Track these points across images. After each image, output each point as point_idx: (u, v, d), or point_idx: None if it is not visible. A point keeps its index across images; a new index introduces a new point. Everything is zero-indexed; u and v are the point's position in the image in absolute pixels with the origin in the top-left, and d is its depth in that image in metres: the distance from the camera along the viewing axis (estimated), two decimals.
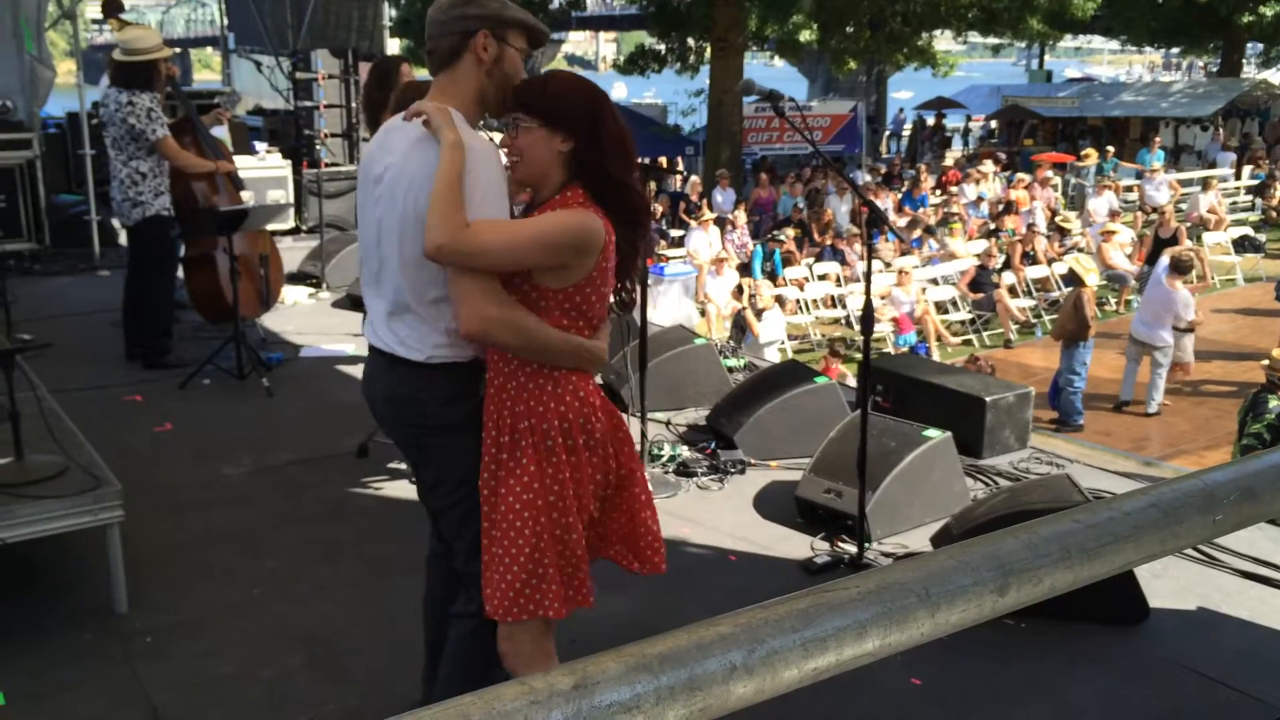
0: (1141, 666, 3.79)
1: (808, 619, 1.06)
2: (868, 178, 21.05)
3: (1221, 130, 28.80)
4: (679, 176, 21.82)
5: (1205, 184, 20.76)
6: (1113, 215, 18.11)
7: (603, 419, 2.50)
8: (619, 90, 44.46)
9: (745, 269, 15.80)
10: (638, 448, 5.21)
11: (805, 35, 20.85)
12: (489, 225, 2.36)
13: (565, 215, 2.39)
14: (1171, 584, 4.28)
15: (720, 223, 16.83)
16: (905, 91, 46.08)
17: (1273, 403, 8.51)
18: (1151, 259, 15.25)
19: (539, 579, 2.44)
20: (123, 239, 9.17)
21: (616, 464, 2.52)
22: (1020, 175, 21.43)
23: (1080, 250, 16.06)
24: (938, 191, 21.19)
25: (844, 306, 14.91)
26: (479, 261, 2.35)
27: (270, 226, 7.72)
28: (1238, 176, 24.08)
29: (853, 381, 8.85)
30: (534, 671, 2.54)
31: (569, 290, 2.41)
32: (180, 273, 7.13)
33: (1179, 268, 11.37)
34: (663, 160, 22.37)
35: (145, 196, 6.45)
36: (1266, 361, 8.80)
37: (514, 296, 2.42)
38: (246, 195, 7.28)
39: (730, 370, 6.78)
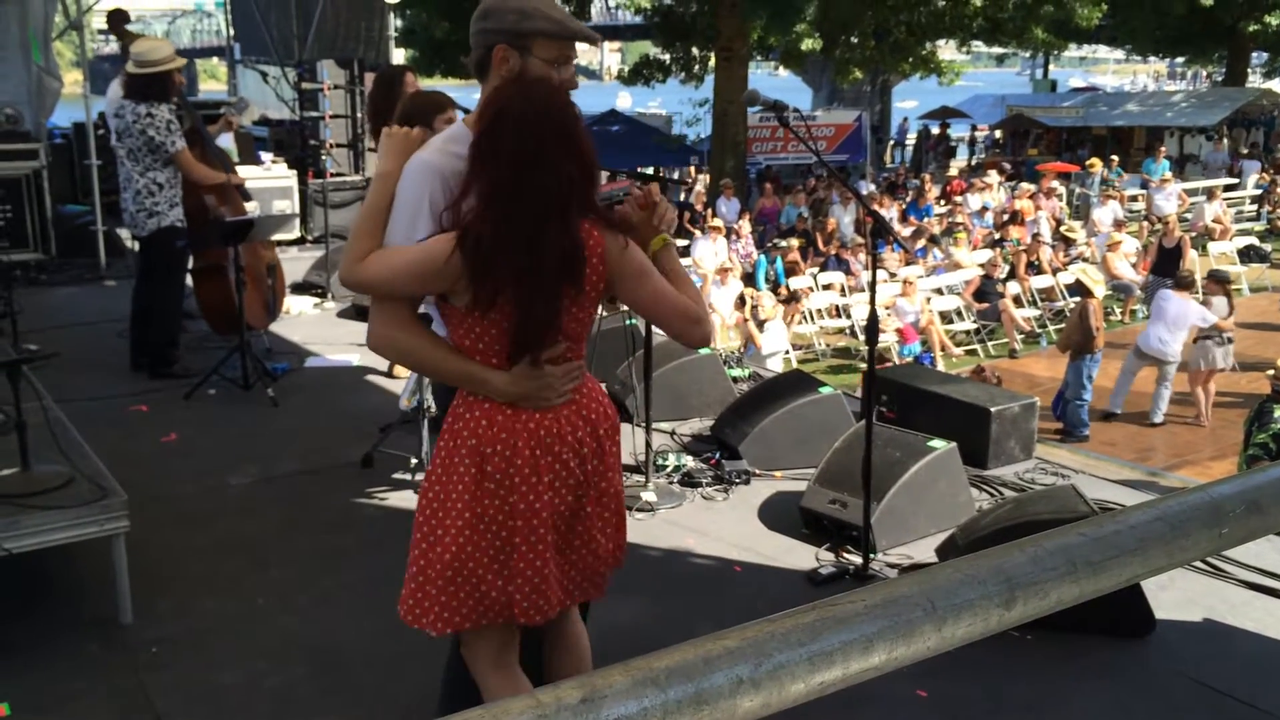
0: (1148, 678, 3.78)
1: (814, 633, 1.06)
2: (872, 187, 21.07)
3: (1226, 140, 28.79)
4: (685, 186, 21.87)
5: (1210, 194, 20.75)
6: (1118, 225, 18.11)
7: (518, 456, 2.39)
8: (624, 100, 44.54)
9: (750, 279, 15.81)
10: (640, 458, 5.25)
11: (808, 44, 20.87)
12: (376, 257, 2.39)
13: (432, 243, 2.36)
14: (1178, 595, 4.27)
15: (725, 232, 16.85)
16: (909, 101, 46.12)
17: (1278, 412, 8.49)
18: (1157, 269, 15.24)
19: (423, 591, 2.45)
20: (130, 248, 9.20)
21: (530, 503, 2.40)
22: (1025, 185, 21.42)
23: (1085, 260, 16.06)
24: (942, 201, 21.20)
25: (848, 316, 14.91)
26: (371, 291, 2.44)
27: (275, 236, 7.74)
28: (1258, 185, 24.05)
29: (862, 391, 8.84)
30: (486, 684, 2.56)
31: (461, 311, 2.36)
32: (190, 283, 7.16)
33: (1182, 285, 11.44)
34: (660, 170, 22.41)
35: (161, 207, 6.48)
36: (1271, 371, 8.79)
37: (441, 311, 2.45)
38: (251, 206, 7.30)
39: (735, 380, 6.78)
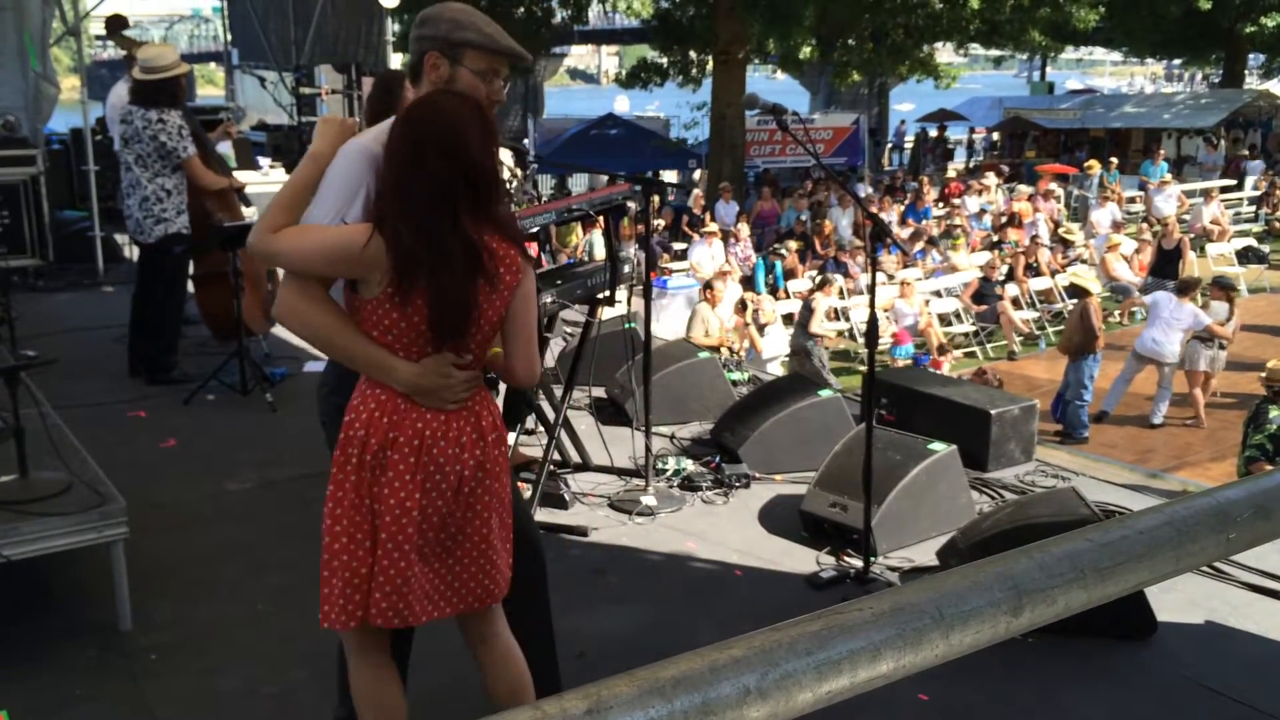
0: (1149, 681, 3.78)
1: (821, 641, 1.05)
2: (869, 190, 21.07)
3: (1223, 141, 28.81)
4: (685, 189, 21.89)
5: (1208, 195, 20.76)
6: (1116, 227, 18.12)
7: (397, 450, 2.41)
8: (621, 104, 44.53)
9: (748, 282, 15.80)
10: (640, 462, 5.24)
11: (805, 52, 20.88)
12: (292, 231, 2.46)
13: (351, 228, 2.42)
14: (1179, 598, 4.26)
15: (723, 236, 16.85)
16: (907, 104, 46.13)
17: (1273, 413, 8.51)
18: (1155, 270, 15.26)
19: (325, 583, 2.48)
20: (128, 254, 9.19)
21: (400, 500, 2.41)
22: (1022, 187, 21.43)
23: (1083, 262, 16.06)
24: (940, 204, 21.21)
25: (847, 319, 14.91)
26: (277, 263, 2.49)
27: None
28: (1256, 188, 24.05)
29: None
30: (353, 678, 2.59)
31: (373, 302, 2.39)
32: (191, 289, 7.15)
33: (1184, 288, 11.47)
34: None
35: (169, 214, 6.48)
36: (1264, 373, 8.81)
37: (345, 297, 2.49)
38: (250, 212, 7.30)
39: (734, 384, 6.77)
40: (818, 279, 14.16)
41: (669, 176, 24.73)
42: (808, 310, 12.79)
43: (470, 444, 2.48)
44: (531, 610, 3.03)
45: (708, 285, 12.91)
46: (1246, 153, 27.42)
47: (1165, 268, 15.10)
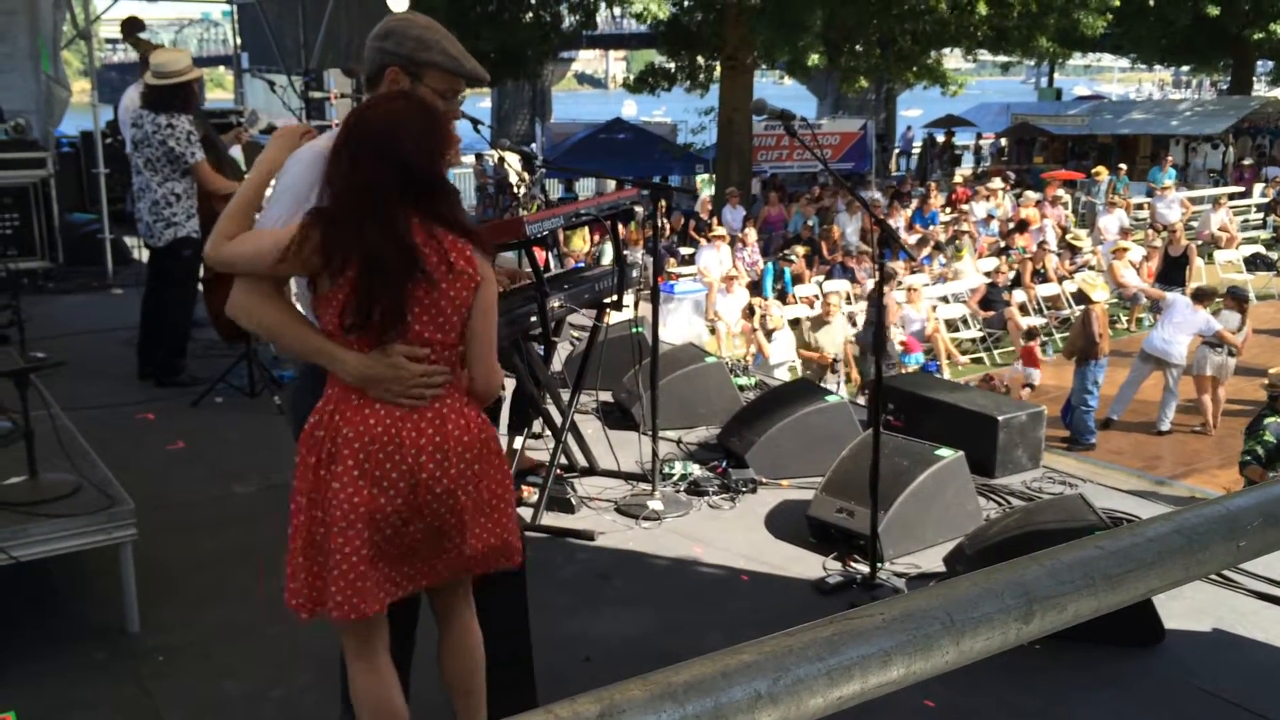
0: (1157, 688, 3.77)
1: (832, 647, 1.05)
2: (877, 195, 21.06)
3: (1233, 148, 28.77)
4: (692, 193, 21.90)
5: (1216, 202, 20.73)
6: (1124, 233, 18.09)
7: (346, 446, 2.44)
8: (629, 108, 44.57)
9: (755, 287, 15.80)
10: (647, 467, 5.24)
11: (813, 59, 20.88)
12: (244, 237, 2.56)
13: (282, 231, 2.48)
14: (1187, 605, 4.25)
15: (730, 240, 16.85)
16: (914, 109, 46.12)
17: (1268, 420, 8.51)
18: (1162, 277, 15.24)
19: (288, 564, 2.55)
20: (138, 256, 9.22)
21: (348, 495, 2.43)
22: (1030, 193, 21.40)
23: (1091, 268, 16.04)
24: (948, 209, 21.19)
25: (854, 324, 14.89)
26: (235, 269, 2.56)
27: None
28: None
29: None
30: (350, 673, 2.63)
31: (325, 298, 2.44)
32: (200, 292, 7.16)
33: (1200, 295, 11.48)
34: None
35: (179, 218, 6.50)
36: (1266, 380, 8.80)
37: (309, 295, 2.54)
38: (258, 216, 7.30)
39: (741, 389, 6.77)
40: (881, 272, 14.11)
41: (676, 182, 24.71)
42: (879, 307, 12.78)
43: (430, 447, 2.46)
44: (508, 611, 3.07)
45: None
46: (1250, 161, 27.39)
47: (1172, 274, 15.09)
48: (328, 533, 2.46)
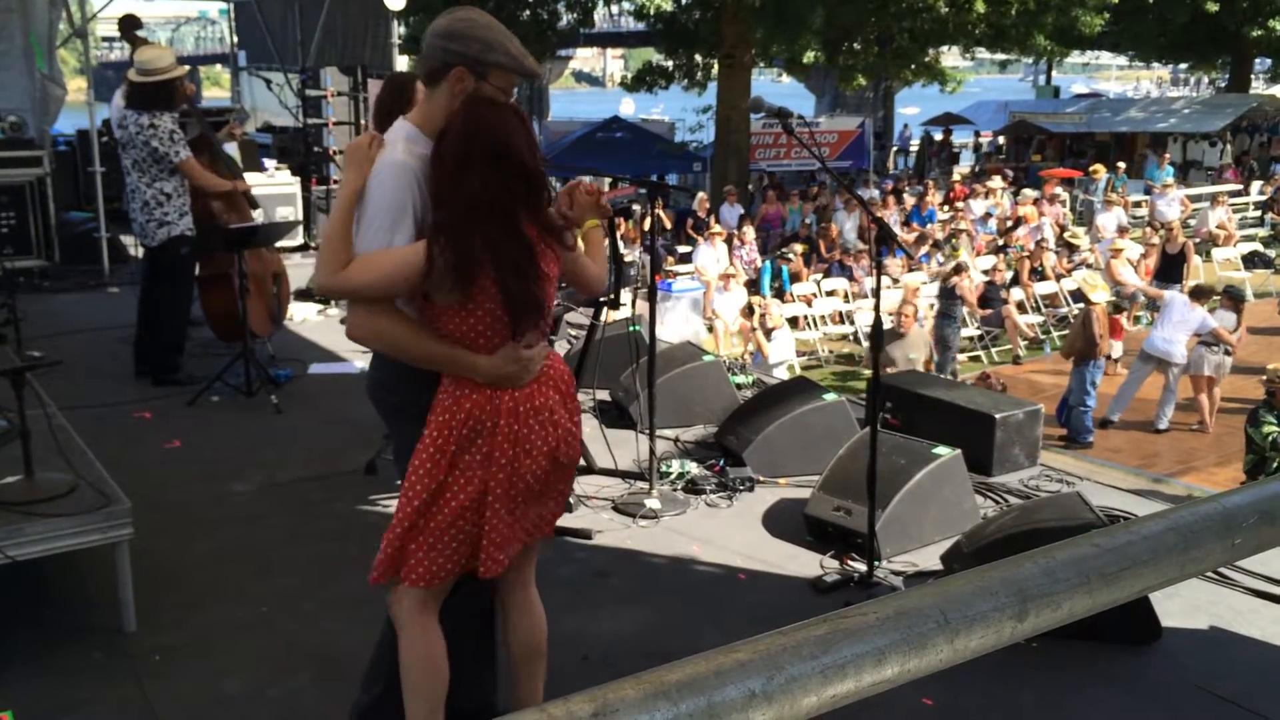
0: (1153, 686, 3.77)
1: (826, 645, 1.05)
2: (874, 193, 21.06)
3: (1229, 145, 28.81)
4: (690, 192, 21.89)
5: (1214, 199, 20.74)
6: (1121, 231, 18.09)
7: (496, 431, 2.65)
8: (627, 106, 44.59)
9: (753, 285, 15.80)
10: (644, 465, 5.24)
11: (809, 57, 20.88)
12: (360, 263, 2.60)
13: (404, 251, 2.58)
14: (1183, 603, 4.25)
15: (728, 239, 16.84)
16: (912, 107, 46.15)
17: (1263, 413, 8.57)
18: (1160, 274, 15.25)
19: (405, 552, 2.69)
20: (134, 254, 9.21)
21: (509, 473, 2.66)
22: (1028, 191, 21.41)
23: (1089, 266, 16.04)
24: (945, 207, 21.19)
25: (852, 323, 14.90)
26: (353, 298, 2.67)
27: (278, 243, 7.74)
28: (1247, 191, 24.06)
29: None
30: (406, 635, 2.76)
31: (443, 307, 2.59)
32: (196, 291, 7.16)
33: (1198, 294, 11.48)
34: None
35: (171, 216, 6.49)
36: (1265, 376, 8.82)
37: (417, 306, 2.65)
38: (257, 213, 7.31)
39: (739, 387, 6.77)
40: (950, 262, 14.14)
41: (674, 180, 24.71)
42: (950, 297, 12.81)
43: (556, 405, 2.75)
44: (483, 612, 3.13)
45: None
46: (1228, 161, 27.45)
47: (1170, 272, 15.09)
48: (486, 508, 2.64)
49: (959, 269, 13.33)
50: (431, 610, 2.79)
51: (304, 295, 9.03)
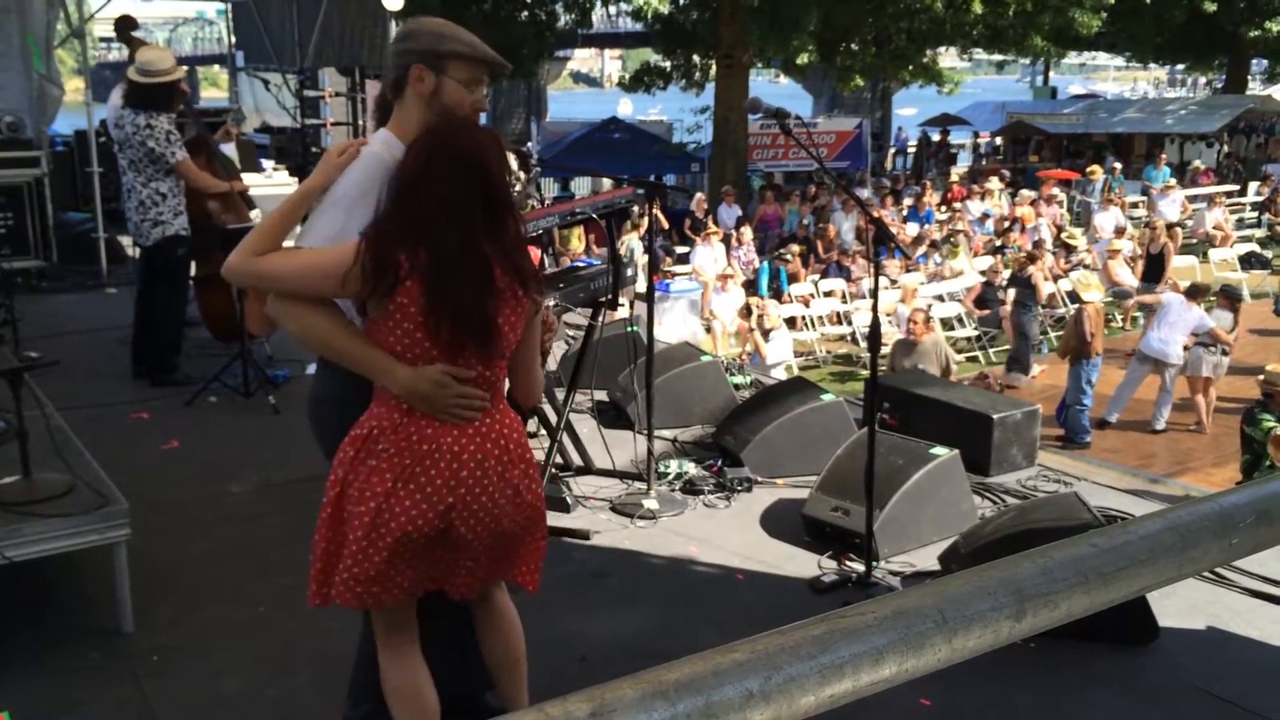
0: (1151, 686, 3.77)
1: (824, 645, 1.05)
2: (869, 193, 21.07)
3: (1227, 145, 28.84)
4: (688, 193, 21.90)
5: (1211, 200, 20.75)
6: (1119, 232, 18.11)
7: (398, 447, 2.48)
8: (625, 107, 44.57)
9: (750, 286, 15.81)
10: (642, 466, 5.24)
11: (803, 58, 20.89)
12: (281, 254, 2.54)
13: (337, 250, 2.48)
14: (1181, 603, 4.26)
15: (725, 239, 16.85)
16: (909, 108, 46.16)
17: (1259, 412, 8.57)
18: (1147, 275, 15.32)
19: (330, 570, 2.58)
20: (132, 254, 9.20)
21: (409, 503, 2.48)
22: (1025, 192, 21.42)
23: (1085, 267, 16.06)
24: (943, 208, 21.20)
25: (849, 323, 14.90)
26: (260, 285, 2.57)
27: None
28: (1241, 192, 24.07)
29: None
30: (383, 662, 2.68)
31: (388, 322, 2.45)
32: (192, 291, 7.15)
33: (1193, 293, 11.49)
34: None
35: (166, 216, 6.49)
36: (1262, 376, 8.83)
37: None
38: (255, 214, 7.30)
39: (737, 388, 6.77)
40: (1024, 253, 14.08)
41: (672, 180, 24.71)
42: (1028, 286, 12.81)
43: (470, 460, 2.50)
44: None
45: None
46: (1208, 166, 27.48)
47: (1154, 272, 15.21)
48: (349, 523, 2.51)
49: (1032, 258, 13.31)
50: (406, 632, 2.69)
51: None
